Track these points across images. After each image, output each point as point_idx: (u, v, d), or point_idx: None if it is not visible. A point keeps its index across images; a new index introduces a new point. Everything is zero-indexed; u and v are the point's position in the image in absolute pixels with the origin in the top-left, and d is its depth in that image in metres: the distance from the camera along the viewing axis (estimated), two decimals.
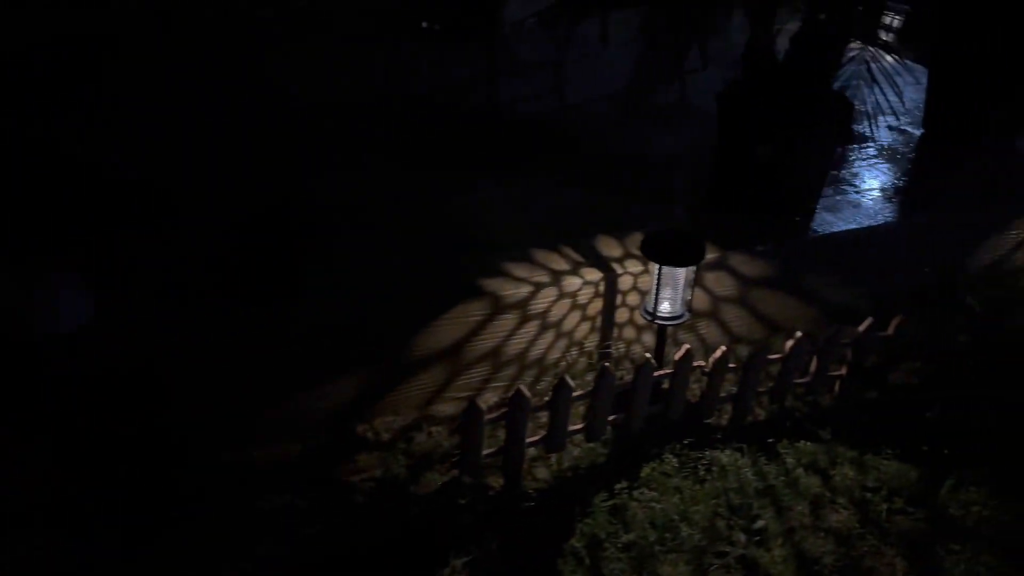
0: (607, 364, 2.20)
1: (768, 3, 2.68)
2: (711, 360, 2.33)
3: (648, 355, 2.25)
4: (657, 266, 2.25)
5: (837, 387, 2.59)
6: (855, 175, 3.35)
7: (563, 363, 2.65)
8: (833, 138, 2.90)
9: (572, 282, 2.53)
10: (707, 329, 2.84)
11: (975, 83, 3.44)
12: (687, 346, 2.27)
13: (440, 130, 3.53)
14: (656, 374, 2.27)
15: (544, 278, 2.52)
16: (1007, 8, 3.27)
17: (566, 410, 2.18)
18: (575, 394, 2.16)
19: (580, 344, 2.66)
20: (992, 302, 3.11)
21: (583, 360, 2.67)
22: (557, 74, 3.81)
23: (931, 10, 3.53)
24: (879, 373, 2.66)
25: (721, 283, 2.76)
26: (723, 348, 2.32)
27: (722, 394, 2.46)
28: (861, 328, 2.48)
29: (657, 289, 2.29)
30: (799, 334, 2.41)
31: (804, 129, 2.77)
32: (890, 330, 2.54)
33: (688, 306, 2.37)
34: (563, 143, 3.49)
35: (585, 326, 2.64)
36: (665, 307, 2.33)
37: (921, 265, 3.16)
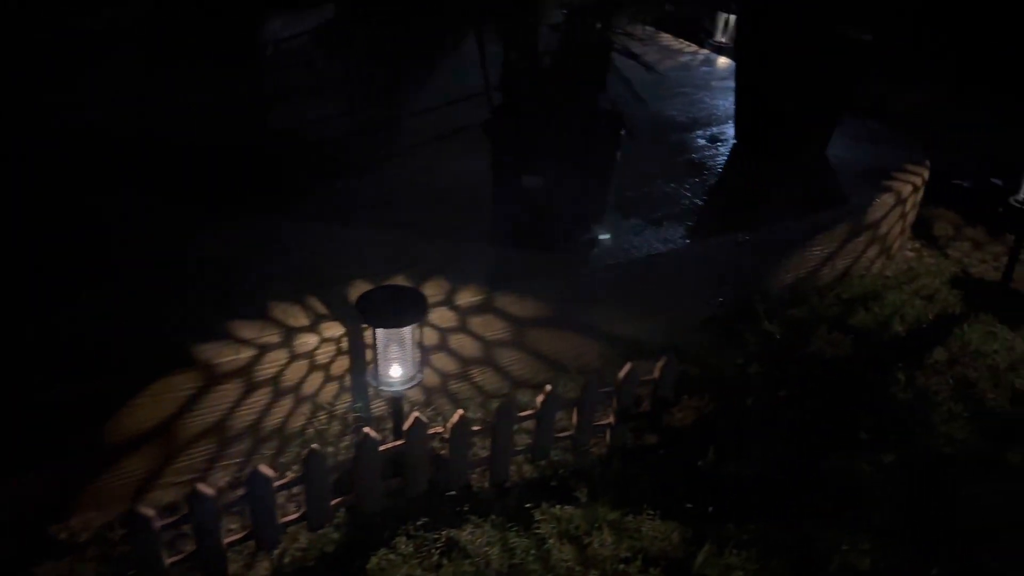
0: (315, 447, 1.93)
1: (522, 21, 2.45)
2: (449, 425, 2.08)
3: (367, 429, 1.98)
4: (376, 329, 1.99)
5: (608, 437, 2.39)
6: (655, 193, 3.17)
7: (310, 430, 2.37)
8: (610, 158, 2.69)
9: (307, 341, 2.25)
10: (482, 377, 2.60)
11: (780, 94, 3.30)
12: (416, 414, 2.02)
13: (195, 160, 3.18)
14: (384, 448, 2.01)
15: (274, 338, 2.23)
16: (805, 22, 3.14)
17: (271, 500, 1.90)
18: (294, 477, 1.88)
19: (328, 407, 2.38)
20: (795, 325, 2.98)
21: (335, 425, 2.40)
22: (336, 97, 3.50)
23: (739, 18, 3.40)
24: (655, 416, 2.47)
25: (491, 326, 2.53)
26: (460, 412, 2.07)
27: (475, 457, 2.22)
28: (621, 375, 2.28)
29: (380, 353, 2.03)
30: (548, 387, 2.19)
31: (572, 153, 2.55)
32: (656, 373, 2.34)
33: (421, 366, 2.12)
34: (344, 172, 3.20)
35: (333, 387, 2.36)
36: (394, 371, 2.07)
37: (723, 288, 3.00)
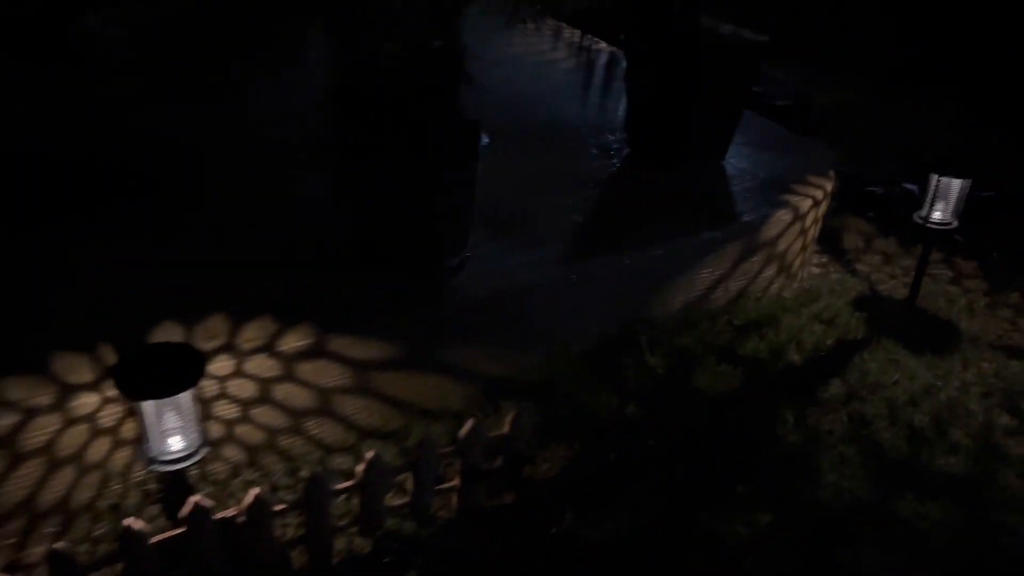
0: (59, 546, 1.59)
1: (350, 22, 2.13)
2: (243, 506, 1.76)
3: (129, 521, 1.64)
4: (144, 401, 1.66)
5: (455, 500, 2.10)
6: (534, 209, 2.87)
7: (102, 502, 2.02)
8: (467, 171, 2.39)
9: (86, 401, 1.90)
10: (321, 429, 2.28)
11: (669, 99, 3.03)
12: (193, 498, 1.69)
13: None
14: (157, 539, 1.68)
15: (46, 399, 1.87)
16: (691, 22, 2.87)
17: None
18: None
19: (123, 475, 2.04)
20: (681, 356, 2.72)
21: (133, 495, 2.06)
22: (167, 104, 3.09)
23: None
24: (513, 471, 2.18)
25: (326, 373, 2.21)
26: (257, 490, 1.75)
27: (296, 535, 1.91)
28: (462, 433, 1.98)
29: (152, 426, 1.70)
30: (371, 453, 1.88)
31: (414, 169, 2.24)
32: (505, 428, 2.05)
33: (203, 434, 1.79)
34: (157, 187, 2.78)
35: (126, 452, 2.02)
36: (173, 443, 1.74)
37: (606, 315, 2.72)
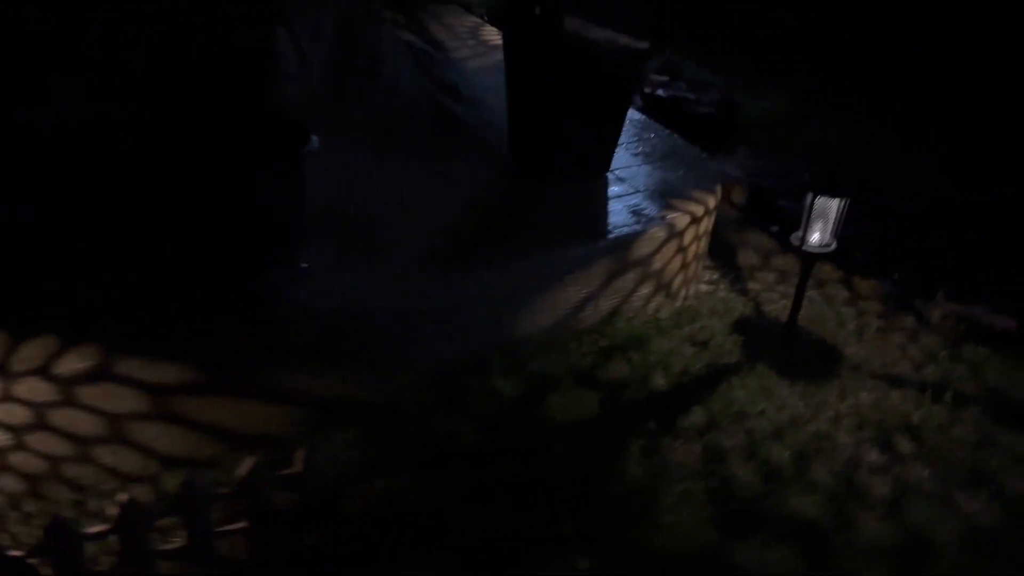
0: None
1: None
2: None
3: None
4: None
5: (245, 543, 1.91)
6: (389, 220, 2.69)
7: None
8: (289, 177, 2.20)
9: None
10: (115, 458, 2.08)
11: (544, 107, 2.86)
12: None
13: None
14: None
15: None
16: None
17: None
18: None
19: None
20: (536, 379, 2.55)
21: None
22: None
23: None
24: (318, 510, 2.00)
25: (115, 397, 2.01)
26: None
27: None
28: (243, 471, 1.80)
29: None
30: (124, 496, 1.69)
31: (217, 172, 2.06)
32: (297, 466, 1.87)
33: None
34: None
35: None
36: None
37: (462, 336, 2.55)
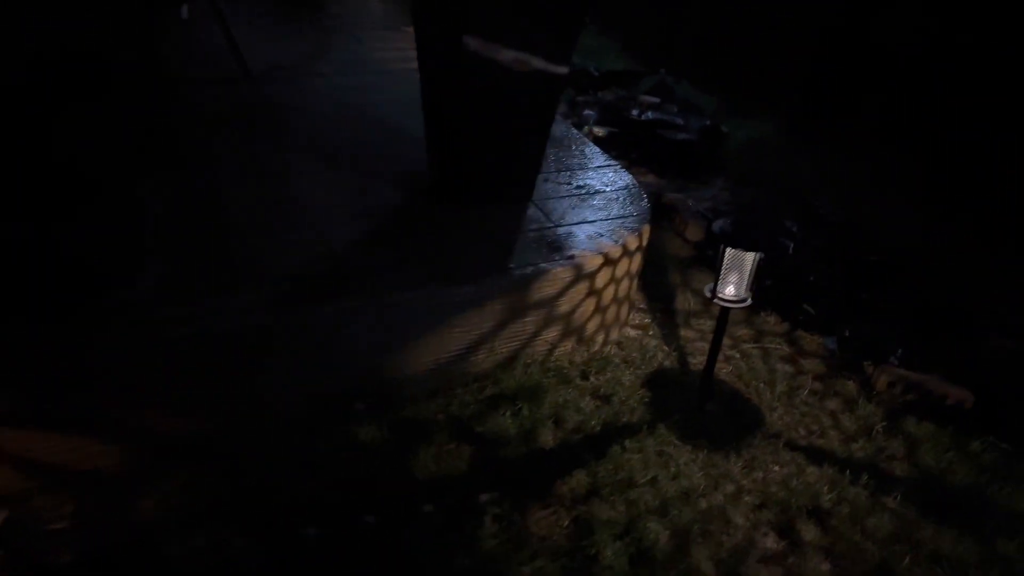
0: None
1: None
2: None
3: None
4: None
5: None
6: (269, 245, 2.50)
7: None
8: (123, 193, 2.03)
9: None
10: None
11: (456, 127, 2.65)
12: None
13: None
14: None
15: None
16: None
17: None
18: None
19: None
20: (402, 429, 2.34)
21: None
22: None
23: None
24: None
25: None
26: None
27: None
28: None
29: None
30: None
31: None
32: (65, 523, 1.69)
33: None
34: None
35: None
36: None
37: (329, 373, 2.35)
